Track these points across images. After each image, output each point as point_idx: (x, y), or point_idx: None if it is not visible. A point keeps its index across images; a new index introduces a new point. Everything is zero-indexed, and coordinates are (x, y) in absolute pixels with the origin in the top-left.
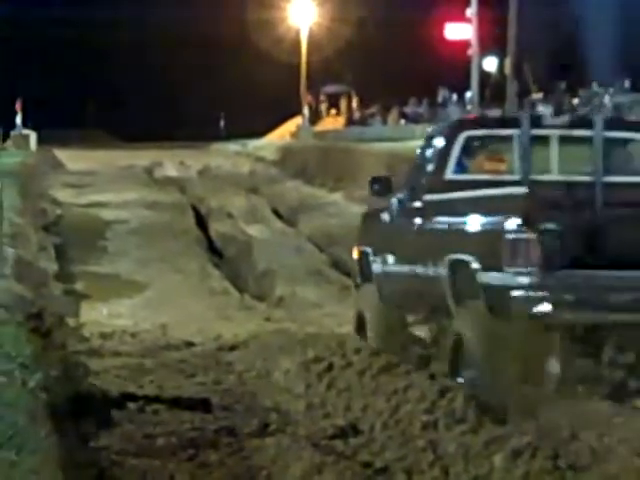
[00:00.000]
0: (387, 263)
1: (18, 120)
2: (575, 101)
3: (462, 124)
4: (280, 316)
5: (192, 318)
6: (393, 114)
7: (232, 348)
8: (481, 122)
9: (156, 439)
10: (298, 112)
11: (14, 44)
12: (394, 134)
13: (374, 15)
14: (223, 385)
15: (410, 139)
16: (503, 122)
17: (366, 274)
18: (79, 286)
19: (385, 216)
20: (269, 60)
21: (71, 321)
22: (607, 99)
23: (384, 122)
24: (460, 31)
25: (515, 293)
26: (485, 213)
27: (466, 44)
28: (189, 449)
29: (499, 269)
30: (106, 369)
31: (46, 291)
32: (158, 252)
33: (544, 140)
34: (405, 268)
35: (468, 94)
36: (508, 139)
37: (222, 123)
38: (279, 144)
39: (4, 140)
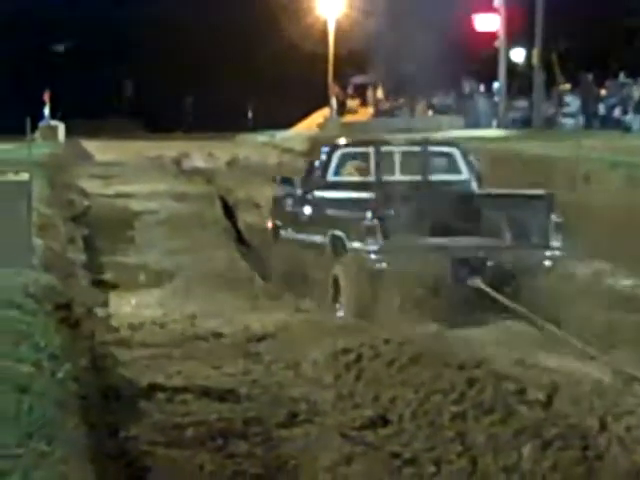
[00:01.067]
0: (290, 232)
1: (46, 111)
2: (603, 92)
3: (338, 145)
4: (308, 307)
5: (220, 309)
6: (421, 105)
7: (260, 339)
8: (350, 143)
9: (185, 429)
10: (325, 103)
11: (40, 35)
12: (420, 125)
13: (401, 6)
14: (251, 376)
15: (435, 130)
16: (365, 143)
17: (277, 238)
18: (107, 277)
19: (289, 201)
20: (297, 51)
21: (100, 311)
22: (635, 90)
23: (412, 113)
24: (488, 22)
25: (367, 255)
26: (353, 208)
27: (494, 35)
28: (218, 439)
29: (360, 240)
30: (135, 359)
31: (74, 282)
32: (186, 242)
33: (390, 154)
34: (301, 236)
35: (495, 85)
36: (368, 154)
37: (250, 114)
38: (307, 135)
39: (32, 131)
